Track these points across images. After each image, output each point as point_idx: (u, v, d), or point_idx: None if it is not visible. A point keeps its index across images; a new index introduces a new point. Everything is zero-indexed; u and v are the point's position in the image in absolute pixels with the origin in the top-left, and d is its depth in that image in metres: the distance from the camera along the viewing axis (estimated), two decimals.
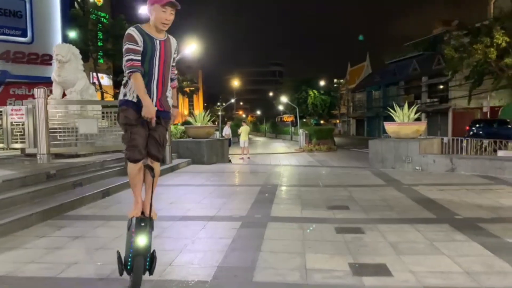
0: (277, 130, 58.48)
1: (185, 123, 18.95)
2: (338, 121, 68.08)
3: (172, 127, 12.50)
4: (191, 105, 58.20)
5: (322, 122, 55.19)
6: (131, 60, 2.80)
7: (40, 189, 5.31)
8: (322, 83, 53.75)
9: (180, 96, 49.65)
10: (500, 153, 10.61)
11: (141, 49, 2.82)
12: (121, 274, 2.74)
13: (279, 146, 35.95)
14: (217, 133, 22.11)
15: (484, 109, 31.24)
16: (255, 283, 2.84)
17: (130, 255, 2.68)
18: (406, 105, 9.77)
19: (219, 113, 46.78)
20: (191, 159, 10.35)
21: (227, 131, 19.47)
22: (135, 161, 2.90)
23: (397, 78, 47.64)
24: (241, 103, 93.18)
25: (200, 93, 62.72)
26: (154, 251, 2.78)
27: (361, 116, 57.87)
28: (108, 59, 33.96)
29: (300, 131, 33.10)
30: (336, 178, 8.35)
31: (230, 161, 13.92)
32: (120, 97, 2.96)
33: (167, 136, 9.32)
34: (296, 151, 28.93)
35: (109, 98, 32.78)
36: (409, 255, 3.34)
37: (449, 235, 3.91)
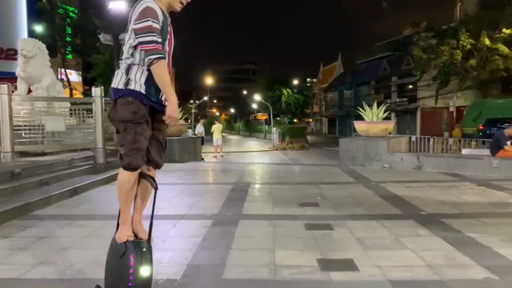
0: (251, 129, 58.56)
1: None
2: (311, 119, 68.85)
3: None
4: None
5: (295, 120, 55.64)
6: (156, 42, 2.27)
7: (4, 188, 5.13)
8: (295, 82, 54.23)
9: None
10: (464, 151, 11.03)
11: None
12: None
13: (253, 144, 36.03)
14: (190, 131, 21.93)
15: (451, 109, 32.35)
16: (225, 280, 2.85)
17: None
18: (375, 104, 10.00)
19: (192, 111, 46.34)
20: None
21: (200, 129, 19.36)
22: (136, 168, 2.39)
23: (368, 78, 48.63)
24: (215, 101, 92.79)
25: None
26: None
27: (333, 115, 58.73)
28: (77, 55, 33.08)
29: (274, 129, 33.27)
30: (308, 175, 8.46)
31: (203, 159, 13.85)
32: (119, 85, 2.38)
33: None
34: (269, 149, 29.06)
35: (78, 95, 31.95)
36: (375, 250, 3.44)
37: (414, 230, 4.05)
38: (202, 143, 17.58)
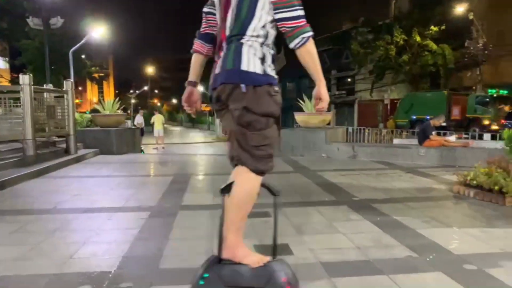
0: (194, 120, 57.83)
1: (93, 111, 17.88)
2: None
3: (77, 115, 11.73)
4: (100, 92, 54.96)
5: None
6: (304, 17, 1.97)
7: None
8: None
9: (89, 83, 46.65)
10: (395, 141, 11.76)
11: None
12: None
13: (196, 135, 35.69)
14: (129, 122, 21.21)
15: (385, 101, 34.19)
16: (160, 270, 2.84)
17: None
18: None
19: (132, 101, 44.81)
20: (99, 149, 9.82)
21: (139, 119, 18.78)
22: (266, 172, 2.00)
23: None
24: (156, 91, 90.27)
25: (111, 80, 59.45)
26: None
27: None
28: (3, 40, 30.57)
29: (217, 121, 33.17)
30: None
31: (142, 151, 13.50)
32: (256, 69, 1.99)
33: (71, 125, 8.77)
34: (213, 140, 28.96)
35: (4, 82, 29.63)
36: (309, 235, 3.59)
37: (346, 215, 4.27)
38: (142, 135, 17.10)
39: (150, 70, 64.47)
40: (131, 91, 62.10)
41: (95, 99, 50.11)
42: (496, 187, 4.79)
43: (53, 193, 5.40)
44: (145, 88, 57.68)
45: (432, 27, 26.34)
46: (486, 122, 21.60)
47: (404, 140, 12.05)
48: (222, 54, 2.10)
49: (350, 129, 15.41)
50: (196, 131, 45.19)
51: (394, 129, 20.53)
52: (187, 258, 3.03)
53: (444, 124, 22.17)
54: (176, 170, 7.75)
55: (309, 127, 10.03)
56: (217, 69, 2.10)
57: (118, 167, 8.08)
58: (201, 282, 2.01)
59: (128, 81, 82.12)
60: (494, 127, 20.16)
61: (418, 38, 26.14)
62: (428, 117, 8.98)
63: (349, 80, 42.47)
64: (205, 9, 2.23)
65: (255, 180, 2.06)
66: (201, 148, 22.47)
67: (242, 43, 2.00)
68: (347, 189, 5.62)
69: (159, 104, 75.44)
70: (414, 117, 23.48)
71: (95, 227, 3.85)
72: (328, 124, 11.25)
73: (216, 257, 2.16)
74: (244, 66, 1.96)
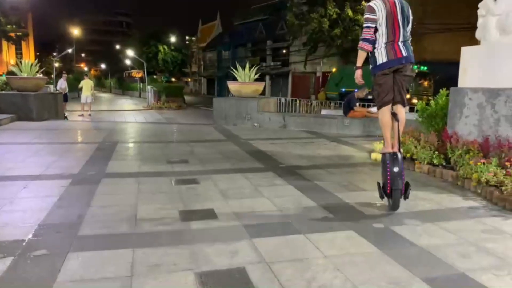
0: (124, 86, 55.31)
1: (9, 73, 16.32)
2: (189, 79, 67.85)
3: None
4: (19, 53, 50.11)
5: (173, 79, 54.21)
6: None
7: None
8: (173, 39, 52.27)
9: (4, 43, 42.31)
10: (323, 112, 12.23)
11: None
12: (381, 197, 3.53)
13: (126, 103, 34.21)
14: (51, 86, 19.73)
15: (317, 74, 35.17)
16: (79, 236, 2.77)
17: (388, 182, 3.39)
18: (247, 66, 10.32)
19: (55, 64, 41.54)
20: (16, 115, 9.09)
21: (62, 84, 17.45)
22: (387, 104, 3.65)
23: (245, 40, 49.49)
24: (83, 55, 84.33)
25: (31, 40, 54.21)
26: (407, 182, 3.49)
27: (212, 75, 58.80)
28: None
29: (149, 87, 32.00)
30: (180, 134, 8.47)
31: (66, 118, 12.71)
32: (412, 55, 3.75)
33: None
34: (144, 108, 27.98)
35: None
36: (235, 199, 3.69)
37: (271, 181, 4.43)
38: (66, 100, 16.01)
39: (75, 31, 59.82)
40: (55, 54, 57.48)
41: (12, 61, 45.67)
42: (408, 155, 5.24)
43: None
44: (69, 50, 53.47)
45: (363, 2, 27.20)
46: (408, 95, 23.15)
47: (332, 111, 12.59)
48: (398, 48, 3.58)
49: (282, 99, 15.72)
50: (126, 98, 43.28)
51: (324, 100, 21.29)
52: (108, 225, 2.98)
53: (370, 97, 23.47)
54: (102, 137, 7.43)
55: (242, 96, 10.07)
56: (401, 54, 3.58)
57: (38, 134, 7.56)
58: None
59: (52, 43, 75.77)
60: (414, 100, 21.69)
61: (350, 13, 26.89)
62: (356, 90, 9.48)
63: (284, 51, 42.87)
64: (372, 25, 3.57)
65: (380, 112, 3.69)
66: (130, 115, 21.63)
67: (408, 43, 3.71)
68: (274, 157, 5.80)
69: (86, 68, 70.71)
70: (344, 89, 24.47)
71: (8, 195, 3.62)
72: (262, 94, 11.37)
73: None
74: (412, 55, 3.70)
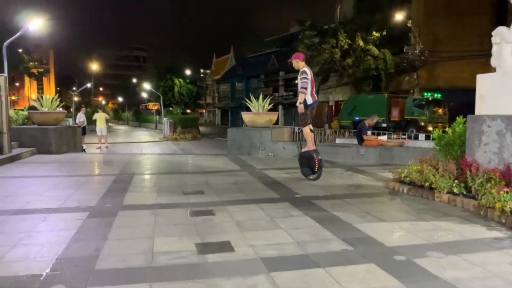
0: (140, 118, 56.28)
1: (31, 108, 16.83)
2: (204, 110, 68.86)
3: (12, 112, 11.02)
4: (40, 88, 51.85)
5: (188, 111, 55.01)
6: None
7: None
8: (188, 72, 53.48)
9: (27, 79, 43.88)
10: (338, 140, 12.19)
11: None
12: (310, 174, 6.14)
13: (142, 134, 34.74)
14: (70, 120, 20.21)
15: (330, 103, 35.32)
16: (96, 271, 2.75)
17: (316, 164, 5.99)
18: (261, 96, 10.43)
19: (75, 98, 42.73)
20: (36, 149, 9.29)
21: (81, 118, 17.88)
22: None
23: (258, 71, 50.35)
24: (101, 89, 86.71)
25: (52, 76, 56.24)
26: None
27: (226, 106, 59.58)
28: None
29: (165, 119, 32.52)
30: (195, 165, 8.51)
31: (84, 150, 12.94)
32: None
33: (5, 122, 8.22)
34: (160, 139, 28.34)
35: None
36: (251, 231, 3.64)
37: (287, 211, 4.38)
38: (84, 133, 16.33)
39: (94, 67, 61.87)
40: (74, 88, 59.24)
41: (34, 96, 47.21)
42: (427, 184, 5.14)
43: None
44: (88, 85, 55.10)
45: (374, 32, 27.58)
46: (422, 123, 23.00)
47: (346, 140, 12.53)
48: (315, 95, 6.21)
49: (296, 129, 15.75)
50: (143, 130, 43.99)
51: (338, 129, 21.30)
52: (124, 258, 2.97)
53: (384, 125, 23.36)
54: (119, 169, 7.51)
55: (256, 126, 10.13)
56: (316, 98, 6.22)
57: (56, 167, 7.68)
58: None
59: (71, 78, 78.26)
60: (430, 128, 21.51)
61: (361, 43, 27.24)
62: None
63: (296, 81, 43.32)
64: (308, 81, 6.11)
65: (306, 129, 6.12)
66: (147, 147, 21.92)
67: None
68: (290, 187, 5.75)
69: (103, 102, 72.52)
70: (357, 118, 24.46)
71: (27, 229, 3.65)
72: (276, 124, 11.43)
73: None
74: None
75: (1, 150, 8.10)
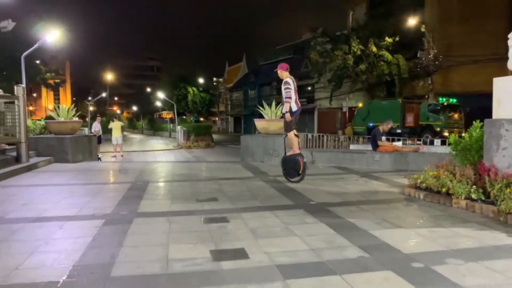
0: (155, 127, 56.86)
1: (48, 118, 17.15)
2: (217, 118, 69.22)
3: (30, 122, 11.24)
4: (56, 99, 52.84)
5: (201, 119, 55.40)
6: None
7: None
8: (201, 80, 53.97)
9: (44, 89, 44.75)
10: (352, 146, 12.10)
11: None
12: (299, 174, 6.41)
13: (157, 143, 35.07)
14: (86, 129, 20.53)
15: (344, 109, 35.13)
16: (112, 278, 2.76)
17: (301, 167, 6.29)
18: (273, 103, 10.43)
19: (90, 108, 43.41)
20: (53, 158, 9.44)
21: (96, 127, 18.16)
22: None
23: (270, 78, 50.41)
24: (116, 98, 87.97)
25: (68, 86, 57.27)
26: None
27: (239, 114, 59.81)
28: None
29: (178, 127, 32.80)
30: (209, 172, 8.53)
31: (99, 159, 13.10)
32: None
33: (23, 132, 8.38)
34: (174, 147, 28.58)
35: None
36: (265, 238, 3.62)
37: (302, 218, 4.35)
38: (100, 142, 16.57)
39: (109, 76, 62.88)
40: (89, 98, 60.24)
41: (50, 106, 48.12)
42: (444, 189, 5.05)
43: (0, 203, 5.13)
44: (103, 94, 56.09)
45: (387, 38, 27.44)
46: (438, 129, 22.69)
47: (361, 146, 12.43)
48: (298, 103, 6.72)
49: (309, 135, 15.71)
50: (157, 138, 44.41)
51: (352, 135, 21.15)
52: (140, 265, 2.98)
53: (399, 131, 23.11)
54: (134, 177, 7.57)
55: (269, 133, 10.12)
56: (299, 105, 6.71)
57: (73, 175, 7.79)
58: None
59: (87, 88, 79.56)
60: (445, 133, 21.20)
61: (374, 49, 27.12)
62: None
63: (309, 88, 43.30)
64: (291, 90, 6.55)
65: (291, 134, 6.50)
66: (161, 155, 22.11)
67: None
68: (304, 194, 5.72)
69: (118, 111, 73.53)
70: (371, 124, 24.27)
71: (44, 236, 3.69)
72: None
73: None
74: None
75: (19, 159, 8.26)
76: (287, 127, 6.55)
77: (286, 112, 6.39)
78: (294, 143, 6.56)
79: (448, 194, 4.99)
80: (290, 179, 6.59)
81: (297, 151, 6.51)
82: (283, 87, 6.43)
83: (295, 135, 6.54)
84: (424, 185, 5.39)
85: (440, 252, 3.28)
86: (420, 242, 3.58)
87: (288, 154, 6.66)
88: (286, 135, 6.75)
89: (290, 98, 6.38)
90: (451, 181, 5.04)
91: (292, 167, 6.51)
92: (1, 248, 3.39)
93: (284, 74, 6.58)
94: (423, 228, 4.00)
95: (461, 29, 26.09)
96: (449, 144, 6.32)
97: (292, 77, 6.56)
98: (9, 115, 8.25)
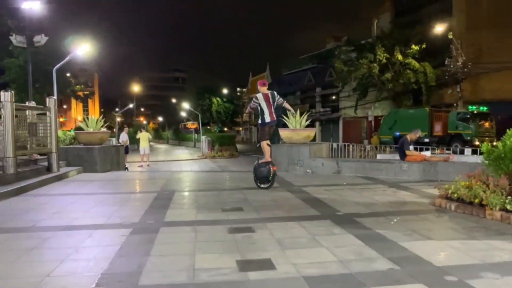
0: (180, 137, 57.65)
1: (77, 129, 17.67)
2: (241, 128, 69.57)
3: (60, 133, 11.58)
4: (85, 110, 54.45)
5: (225, 129, 55.82)
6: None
7: None
8: (225, 91, 54.52)
9: (73, 101, 46.17)
10: (379, 156, 11.88)
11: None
12: (269, 181, 6.90)
13: (182, 153, 35.51)
14: (114, 139, 20.99)
15: (369, 118, 34.67)
16: (140, 286, 2.78)
17: (271, 174, 6.83)
18: (298, 112, 10.36)
19: (117, 119, 44.46)
20: (82, 167, 9.68)
21: (124, 137, 18.56)
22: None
23: (294, 88, 50.41)
24: (142, 109, 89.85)
25: (96, 98, 58.96)
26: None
27: None
28: None
29: (203, 137, 33.13)
30: (234, 182, 8.54)
31: (127, 168, 13.35)
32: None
33: (54, 142, 8.62)
34: (198, 157, 28.85)
35: None
36: (292, 249, 3.57)
37: (329, 229, 4.27)
38: (127, 152, 16.90)
39: (135, 88, 64.37)
40: (117, 109, 61.73)
41: (79, 117, 49.61)
42: (477, 200, 4.87)
43: (32, 211, 5.29)
44: (130, 106, 57.40)
45: (413, 46, 27.01)
46: (468, 138, 22.05)
47: (387, 155, 12.19)
48: (273, 115, 7.01)
49: (334, 145, 15.54)
50: (182, 149, 44.97)
51: (378, 145, 20.78)
52: (167, 275, 2.99)
53: (427, 140, 22.57)
54: (160, 186, 7.67)
55: (294, 143, 10.07)
56: (274, 118, 7.03)
57: (101, 185, 7.96)
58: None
59: (114, 99, 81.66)
60: (475, 142, 20.56)
61: (400, 57, 26.74)
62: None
63: (333, 97, 43.02)
64: (255, 105, 7.09)
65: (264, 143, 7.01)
66: (186, 165, 22.35)
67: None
68: (330, 204, 5.63)
69: (145, 122, 75.02)
70: (398, 133, 23.82)
71: (74, 244, 3.77)
72: (313, 140, 11.32)
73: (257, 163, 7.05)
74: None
75: (50, 169, 8.51)
76: (261, 137, 7.13)
77: (245, 114, 8.12)
78: (265, 152, 7.02)
79: (481, 205, 4.81)
80: (261, 185, 7.01)
81: (268, 159, 6.99)
82: (253, 99, 7.19)
83: (268, 144, 7.01)
84: (455, 195, 5.22)
85: (475, 265, 3.15)
86: (453, 255, 3.45)
87: (260, 161, 7.08)
88: (259, 144, 7.27)
89: (252, 109, 7.24)
90: (484, 191, 4.85)
91: (264, 175, 6.96)
92: (34, 255, 3.47)
93: (261, 89, 7.09)
94: (456, 240, 3.86)
95: (491, 35, 25.44)
96: (481, 154, 6.11)
97: (268, 92, 7.04)
98: (41, 126, 8.53)
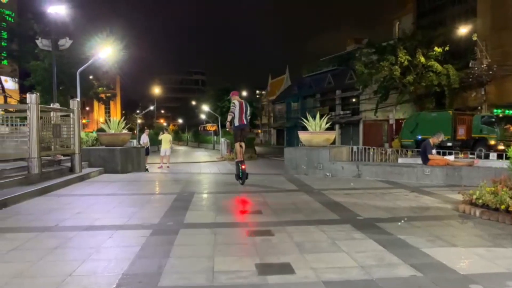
0: (199, 139, 58.04)
1: (99, 130, 18.00)
2: (260, 131, 69.58)
3: (83, 134, 11.81)
4: (107, 112, 55.48)
5: None
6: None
7: None
8: (244, 93, 54.59)
9: (96, 103, 47.07)
10: (401, 160, 11.68)
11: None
12: (238, 179, 7.95)
13: (201, 154, 35.73)
14: (135, 141, 21.31)
15: (390, 121, 34.15)
16: (160, 287, 2.80)
17: (241, 172, 7.80)
18: (318, 115, 10.30)
19: (138, 120, 45.12)
20: (104, 168, 9.85)
21: (144, 139, 18.82)
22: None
23: (314, 90, 50.17)
24: (162, 111, 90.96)
25: (118, 100, 60.03)
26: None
27: (281, 126, 59.78)
28: (13, 61, 31.17)
29: (222, 140, 33.26)
30: (252, 184, 8.52)
31: (147, 170, 13.50)
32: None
33: (77, 143, 8.79)
34: (217, 159, 28.96)
35: (13, 103, 30.05)
36: (312, 254, 3.54)
37: (349, 234, 4.21)
38: (147, 154, 17.12)
39: (156, 90, 65.20)
40: (138, 111, 62.65)
41: (102, 119, 50.60)
42: (503, 206, 4.73)
43: (55, 211, 5.40)
44: (151, 108, 58.22)
45: (435, 48, 26.51)
46: (492, 142, 21.47)
47: (409, 159, 11.97)
48: (244, 120, 7.98)
49: (355, 148, 15.36)
50: (201, 150, 45.27)
51: (399, 148, 20.45)
52: (186, 276, 3.00)
53: (449, 144, 22.08)
54: (180, 188, 7.73)
55: (313, 146, 10.00)
56: (244, 122, 8.01)
57: (122, 186, 8.07)
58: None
59: (135, 101, 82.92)
60: (501, 147, 20.00)
61: (422, 59, 26.28)
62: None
63: (353, 100, 42.60)
64: (233, 111, 7.90)
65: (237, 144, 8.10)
66: (205, 166, 22.47)
67: (248, 118, 8.15)
68: (351, 208, 5.56)
69: (165, 124, 75.91)
70: (420, 137, 23.39)
71: (96, 244, 3.82)
72: (333, 143, 11.21)
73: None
74: (248, 123, 8.20)
75: (73, 169, 8.68)
76: (234, 138, 8.38)
77: (227, 122, 8.08)
78: (236, 152, 8.23)
79: (507, 212, 4.66)
80: (238, 180, 8.03)
81: (240, 159, 7.99)
82: (231, 105, 8.08)
83: (240, 146, 8.02)
84: (480, 201, 5.08)
85: (501, 274, 3.05)
86: (478, 263, 3.35)
87: (235, 160, 8.27)
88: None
89: (232, 113, 7.91)
90: (511, 197, 4.71)
91: (236, 173, 8.13)
92: (57, 254, 3.54)
93: (235, 98, 8.15)
94: (481, 247, 3.75)
95: None
96: (507, 158, 5.93)
97: (242, 100, 8.08)
98: (65, 127, 8.72)
